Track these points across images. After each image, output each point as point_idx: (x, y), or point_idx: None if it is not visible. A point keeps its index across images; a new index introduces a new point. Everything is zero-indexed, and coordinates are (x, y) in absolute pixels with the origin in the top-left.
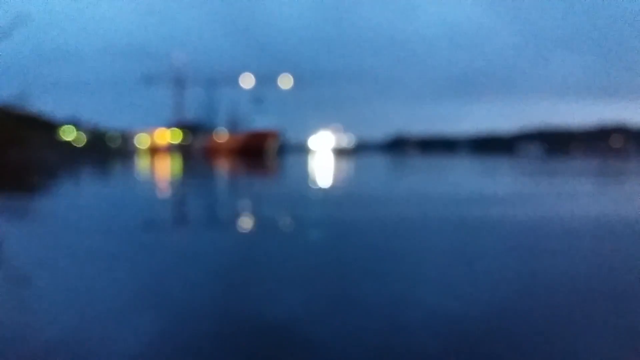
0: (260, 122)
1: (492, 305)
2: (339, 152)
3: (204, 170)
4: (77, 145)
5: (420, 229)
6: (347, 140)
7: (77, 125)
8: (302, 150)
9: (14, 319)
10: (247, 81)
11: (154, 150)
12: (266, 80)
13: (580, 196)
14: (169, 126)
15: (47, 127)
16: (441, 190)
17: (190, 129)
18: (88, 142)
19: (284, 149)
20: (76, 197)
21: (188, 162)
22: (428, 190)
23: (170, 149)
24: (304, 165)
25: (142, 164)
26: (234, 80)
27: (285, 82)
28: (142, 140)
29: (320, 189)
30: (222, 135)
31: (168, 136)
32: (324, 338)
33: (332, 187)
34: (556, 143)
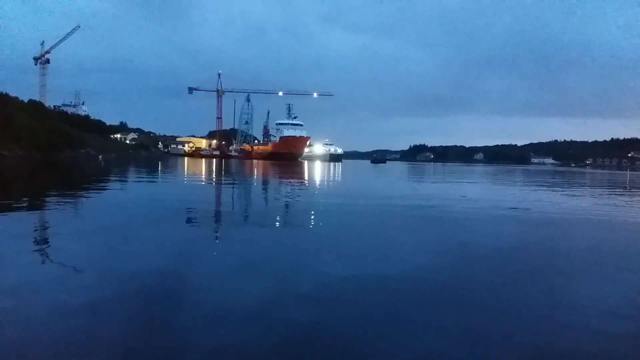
0: (290, 131)
1: None
2: (333, 158)
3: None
4: (127, 147)
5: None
6: (337, 150)
7: (126, 129)
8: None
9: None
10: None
11: (196, 154)
12: (295, 95)
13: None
14: (209, 133)
15: (99, 130)
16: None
17: (228, 136)
18: (137, 144)
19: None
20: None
21: (229, 164)
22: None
23: (210, 153)
24: (329, 167)
25: (187, 164)
26: (266, 94)
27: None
28: (185, 145)
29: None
30: (257, 142)
31: (208, 142)
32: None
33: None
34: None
